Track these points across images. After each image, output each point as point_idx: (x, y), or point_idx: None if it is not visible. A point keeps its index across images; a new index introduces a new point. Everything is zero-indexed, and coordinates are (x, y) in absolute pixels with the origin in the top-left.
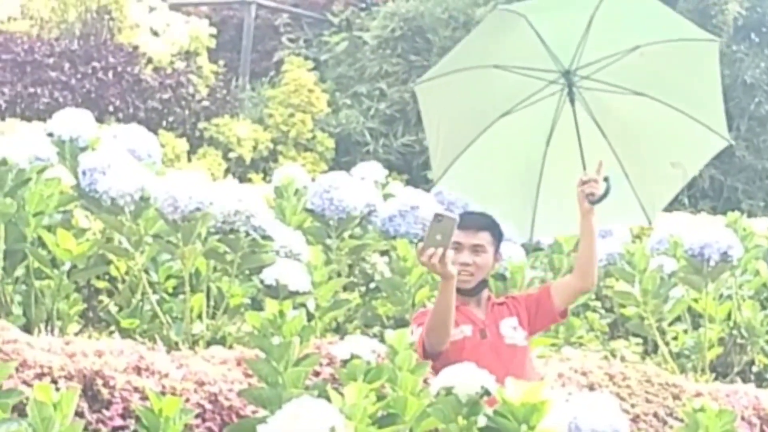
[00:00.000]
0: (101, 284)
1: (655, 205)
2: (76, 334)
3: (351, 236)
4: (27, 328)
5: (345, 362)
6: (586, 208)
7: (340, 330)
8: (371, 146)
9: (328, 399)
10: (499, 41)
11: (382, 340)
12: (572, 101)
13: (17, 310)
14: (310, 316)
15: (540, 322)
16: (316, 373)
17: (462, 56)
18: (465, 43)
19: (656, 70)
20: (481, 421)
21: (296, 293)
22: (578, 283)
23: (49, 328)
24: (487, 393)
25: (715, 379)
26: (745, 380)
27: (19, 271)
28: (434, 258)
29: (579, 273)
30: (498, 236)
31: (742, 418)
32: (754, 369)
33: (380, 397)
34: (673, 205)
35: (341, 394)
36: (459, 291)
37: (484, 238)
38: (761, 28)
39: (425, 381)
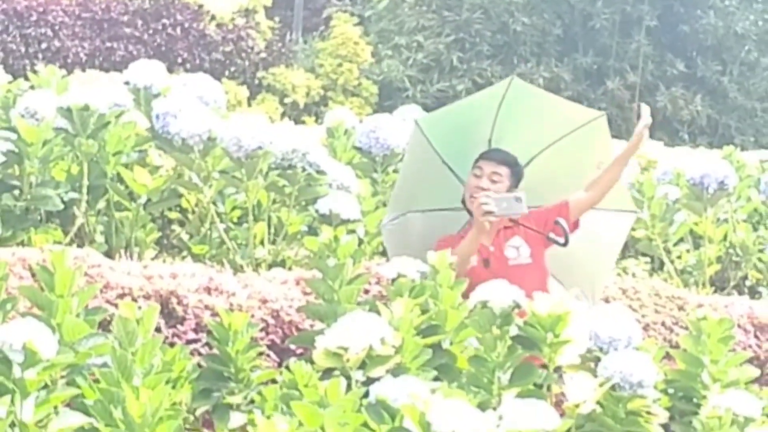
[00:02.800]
0: (174, 215)
1: (595, 294)
2: (152, 259)
3: (394, 170)
4: (109, 255)
5: (392, 281)
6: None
7: (385, 252)
8: (410, 91)
9: (378, 313)
10: (421, 187)
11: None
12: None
13: (100, 239)
14: (360, 241)
15: (552, 229)
16: (366, 291)
17: (399, 202)
18: (401, 180)
19: (556, 173)
20: (513, 330)
21: (347, 221)
22: (595, 199)
23: (128, 254)
24: (518, 306)
25: (714, 292)
26: (740, 293)
27: (101, 204)
28: (486, 208)
29: (599, 192)
30: (516, 175)
31: (738, 326)
32: (748, 283)
33: (423, 311)
34: (675, 142)
35: (389, 309)
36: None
37: (503, 170)
38: None
39: (463, 296)
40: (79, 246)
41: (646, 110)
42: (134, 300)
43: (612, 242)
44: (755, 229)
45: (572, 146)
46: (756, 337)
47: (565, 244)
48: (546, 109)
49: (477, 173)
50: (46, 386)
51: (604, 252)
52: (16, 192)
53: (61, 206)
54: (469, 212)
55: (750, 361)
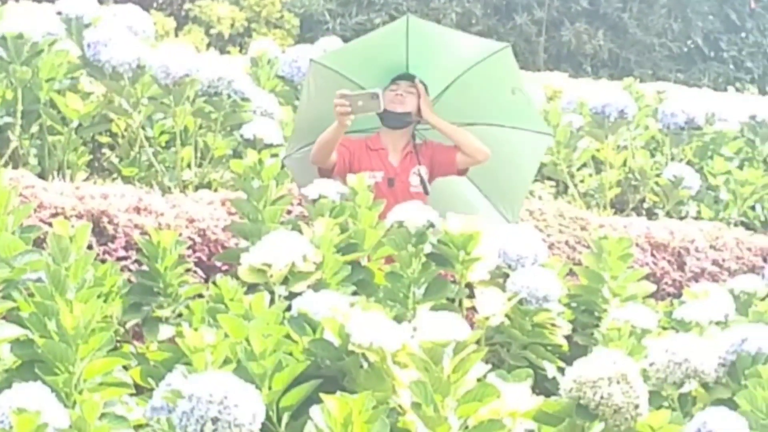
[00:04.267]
0: (104, 139)
1: (514, 209)
2: (84, 181)
3: None
4: (42, 176)
5: (314, 201)
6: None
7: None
8: (330, 24)
9: (300, 232)
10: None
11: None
12: (414, 137)
13: (33, 161)
14: (282, 164)
15: (440, 172)
16: (289, 212)
17: (305, 132)
18: (303, 114)
19: (473, 97)
20: (427, 248)
21: (270, 145)
22: (470, 160)
23: (60, 176)
24: (432, 225)
25: (614, 213)
26: (638, 214)
27: (34, 128)
28: (343, 109)
29: (466, 157)
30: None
31: (636, 245)
32: (645, 205)
33: (343, 230)
34: (579, 73)
35: (311, 228)
36: (388, 123)
37: (419, 88)
38: None
39: (380, 216)
40: (13, 168)
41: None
42: (67, 219)
43: (530, 161)
44: (652, 156)
45: (484, 73)
46: (652, 255)
47: (426, 194)
48: (452, 41)
49: (393, 88)
50: None
51: (524, 170)
52: None
53: None
54: (384, 123)
55: (647, 277)
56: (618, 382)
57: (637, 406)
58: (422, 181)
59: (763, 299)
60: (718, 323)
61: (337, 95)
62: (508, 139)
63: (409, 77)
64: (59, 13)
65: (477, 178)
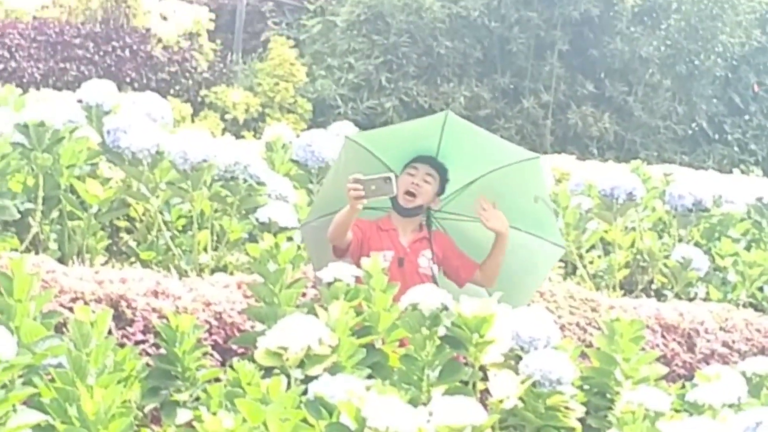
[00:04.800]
0: (122, 223)
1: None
2: (102, 265)
3: None
4: (62, 261)
5: (329, 284)
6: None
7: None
8: (342, 109)
9: (316, 315)
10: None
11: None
12: (429, 226)
13: (53, 246)
14: (297, 248)
15: (449, 273)
16: (304, 294)
17: (328, 202)
18: (329, 186)
19: (495, 197)
20: (441, 331)
21: (285, 228)
22: (480, 283)
23: (80, 260)
24: (445, 308)
25: (624, 294)
26: (647, 295)
27: (55, 214)
28: (357, 193)
29: (487, 278)
30: (443, 183)
31: (647, 327)
32: (654, 286)
33: (358, 313)
34: (585, 156)
35: (326, 311)
36: (398, 211)
37: (434, 175)
38: (652, 14)
39: (394, 300)
40: (34, 253)
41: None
42: (86, 303)
43: (541, 268)
44: (660, 237)
45: (510, 177)
46: (663, 336)
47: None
48: (485, 142)
49: (411, 172)
50: (4, 386)
51: (534, 275)
52: None
53: (18, 216)
54: (395, 209)
55: (658, 359)
56: None
57: None
58: (437, 269)
59: None
60: (731, 406)
61: (349, 179)
62: (523, 243)
63: (430, 161)
64: (80, 101)
65: None
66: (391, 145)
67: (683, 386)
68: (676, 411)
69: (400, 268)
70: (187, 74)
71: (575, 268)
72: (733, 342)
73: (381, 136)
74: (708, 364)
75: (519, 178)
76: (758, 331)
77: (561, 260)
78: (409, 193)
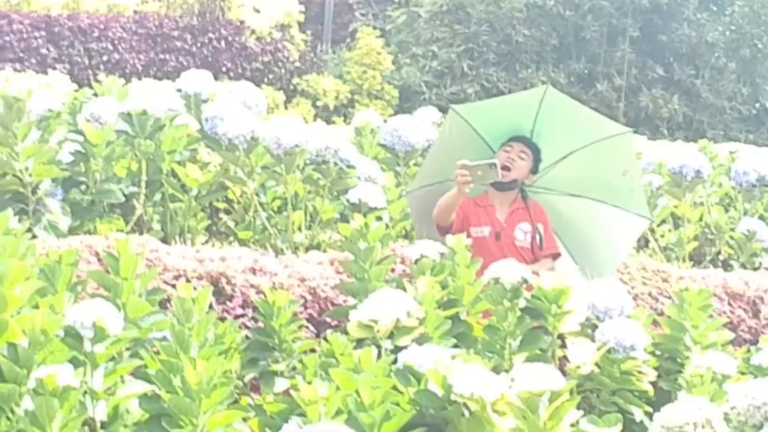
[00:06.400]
0: (221, 205)
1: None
2: (203, 244)
3: (415, 164)
4: (165, 241)
5: (416, 261)
6: None
7: (408, 236)
8: (426, 95)
9: (404, 289)
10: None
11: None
12: (524, 198)
13: (156, 227)
14: (386, 226)
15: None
16: (393, 270)
17: (433, 172)
18: (433, 155)
19: (584, 171)
20: (522, 303)
21: (374, 209)
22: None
23: (182, 240)
24: (526, 282)
25: (693, 266)
26: (714, 266)
27: (157, 197)
28: (464, 179)
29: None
30: (536, 162)
31: (714, 295)
32: (721, 257)
33: (443, 287)
34: (656, 136)
35: (414, 286)
36: (495, 185)
37: (528, 152)
38: (717, 0)
39: (477, 274)
40: (139, 234)
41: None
42: (188, 281)
43: (625, 240)
44: (726, 211)
45: (601, 152)
46: (729, 304)
47: (540, 248)
48: (581, 117)
49: (507, 149)
50: (113, 358)
51: (618, 246)
52: (83, 187)
53: (123, 199)
54: (492, 184)
55: (724, 325)
56: (703, 426)
57: None
58: (540, 238)
59: None
60: None
61: (457, 165)
62: (608, 216)
63: (524, 140)
64: (179, 90)
65: (573, 248)
66: (491, 118)
67: (748, 350)
68: (742, 374)
69: (497, 242)
70: (280, 63)
71: (647, 241)
72: None
73: (482, 109)
74: None
75: (610, 152)
76: None
77: None
78: (504, 167)
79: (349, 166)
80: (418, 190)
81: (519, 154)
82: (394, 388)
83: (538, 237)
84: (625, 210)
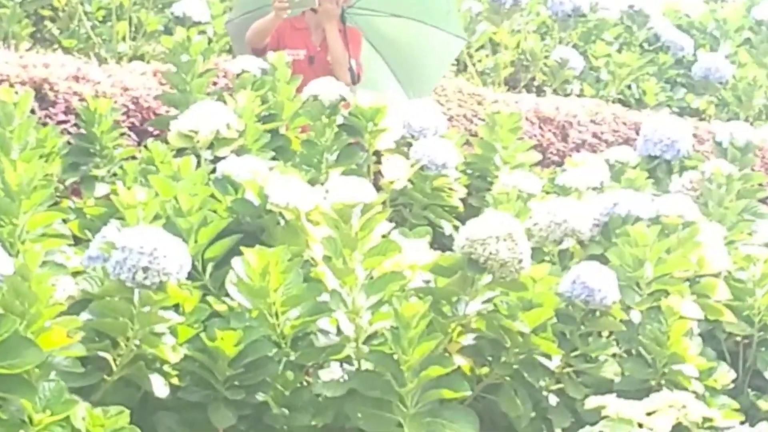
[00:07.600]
0: (46, 12)
1: (421, 95)
2: (27, 51)
3: None
4: None
5: (237, 75)
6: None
7: (231, 51)
8: None
9: (225, 102)
10: None
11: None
12: (344, 22)
13: None
14: (209, 41)
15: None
16: (215, 83)
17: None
18: None
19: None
20: (339, 119)
21: (198, 23)
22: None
23: (5, 45)
24: (343, 99)
25: (508, 90)
26: (528, 92)
27: None
28: (281, 5)
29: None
30: None
31: (526, 119)
32: (535, 83)
33: (264, 102)
34: None
35: (234, 99)
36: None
37: None
38: None
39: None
40: None
41: None
42: (11, 86)
43: (442, 58)
44: (542, 39)
45: (425, 34)
46: (540, 128)
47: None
48: None
49: None
50: None
51: (435, 64)
52: None
53: None
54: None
55: (534, 147)
56: (505, 240)
57: (521, 261)
58: (352, 73)
59: (634, 167)
60: (594, 189)
61: None
62: (426, 35)
63: None
64: None
65: (393, 62)
66: None
67: (554, 172)
68: (547, 193)
69: (311, 65)
70: None
71: (465, 66)
72: (602, 133)
73: None
74: (579, 152)
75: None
76: (624, 124)
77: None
78: None
79: None
80: (236, 19)
81: None
82: (212, 196)
83: (353, 63)
84: (442, 30)
